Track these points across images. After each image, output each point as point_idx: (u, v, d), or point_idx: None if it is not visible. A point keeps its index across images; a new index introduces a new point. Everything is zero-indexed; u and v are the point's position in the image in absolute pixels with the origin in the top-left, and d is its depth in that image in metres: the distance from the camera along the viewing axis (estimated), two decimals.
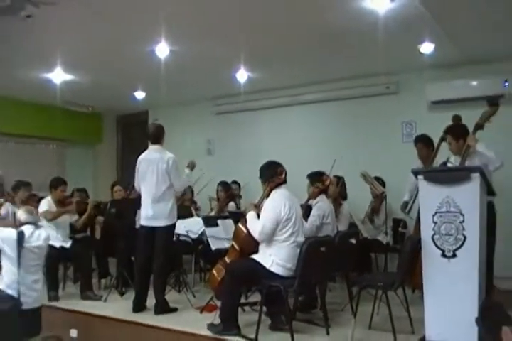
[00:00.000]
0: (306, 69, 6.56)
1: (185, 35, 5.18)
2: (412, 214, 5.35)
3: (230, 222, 5.00)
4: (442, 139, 5.12)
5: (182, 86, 7.31)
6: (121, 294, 5.37)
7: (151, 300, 4.72)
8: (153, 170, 4.68)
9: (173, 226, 4.82)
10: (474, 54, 5.64)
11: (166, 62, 5.77)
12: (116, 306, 4.90)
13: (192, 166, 5.01)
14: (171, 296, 4.97)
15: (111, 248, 5.70)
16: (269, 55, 5.91)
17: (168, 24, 4.77)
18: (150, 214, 4.69)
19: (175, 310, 4.70)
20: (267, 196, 4.08)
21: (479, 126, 4.20)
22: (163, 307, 4.63)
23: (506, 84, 5.57)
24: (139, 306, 4.69)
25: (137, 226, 5.18)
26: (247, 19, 4.80)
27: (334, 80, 6.90)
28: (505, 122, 4.89)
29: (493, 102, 4.21)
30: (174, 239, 5.22)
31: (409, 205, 5.28)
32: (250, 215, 4.06)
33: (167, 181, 4.67)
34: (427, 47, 5.42)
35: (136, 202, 5.06)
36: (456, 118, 4.79)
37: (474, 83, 5.87)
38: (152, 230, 4.70)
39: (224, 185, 6.68)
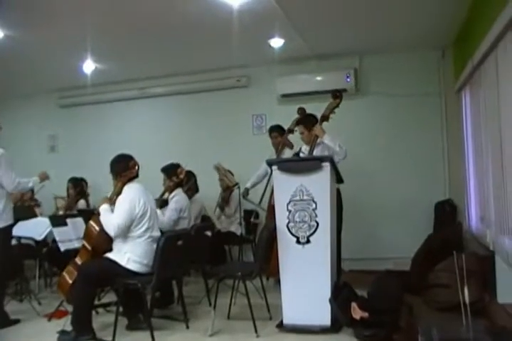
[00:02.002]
0: (156, 61, 6.37)
1: (23, 18, 4.66)
2: (263, 204, 5.53)
3: (80, 220, 4.63)
4: (290, 131, 5.38)
5: (19, 76, 6.64)
6: None
7: None
8: None
9: (9, 228, 4.30)
10: (321, 50, 5.96)
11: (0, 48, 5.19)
12: None
13: (43, 178, 4.59)
14: (12, 307, 4.50)
15: None
16: (118, 45, 5.60)
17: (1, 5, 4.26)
18: None
19: (17, 321, 4.26)
20: (119, 191, 3.88)
21: (325, 118, 4.49)
22: (3, 321, 4.16)
23: (348, 79, 6.00)
24: None
25: None
26: (95, 5, 4.45)
27: (185, 73, 6.83)
28: (349, 114, 5.26)
29: (337, 95, 4.50)
30: (14, 242, 4.73)
31: (261, 196, 5.46)
32: (103, 209, 3.84)
33: None
34: (277, 42, 5.59)
35: None
36: (301, 111, 5.05)
37: (320, 78, 6.21)
38: None
39: (74, 181, 6.33)
